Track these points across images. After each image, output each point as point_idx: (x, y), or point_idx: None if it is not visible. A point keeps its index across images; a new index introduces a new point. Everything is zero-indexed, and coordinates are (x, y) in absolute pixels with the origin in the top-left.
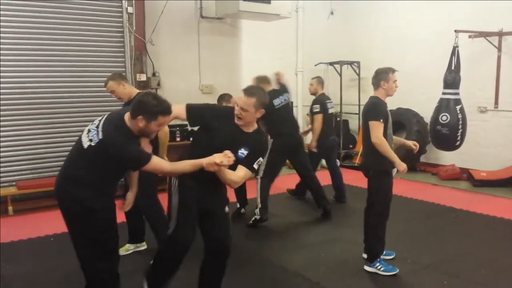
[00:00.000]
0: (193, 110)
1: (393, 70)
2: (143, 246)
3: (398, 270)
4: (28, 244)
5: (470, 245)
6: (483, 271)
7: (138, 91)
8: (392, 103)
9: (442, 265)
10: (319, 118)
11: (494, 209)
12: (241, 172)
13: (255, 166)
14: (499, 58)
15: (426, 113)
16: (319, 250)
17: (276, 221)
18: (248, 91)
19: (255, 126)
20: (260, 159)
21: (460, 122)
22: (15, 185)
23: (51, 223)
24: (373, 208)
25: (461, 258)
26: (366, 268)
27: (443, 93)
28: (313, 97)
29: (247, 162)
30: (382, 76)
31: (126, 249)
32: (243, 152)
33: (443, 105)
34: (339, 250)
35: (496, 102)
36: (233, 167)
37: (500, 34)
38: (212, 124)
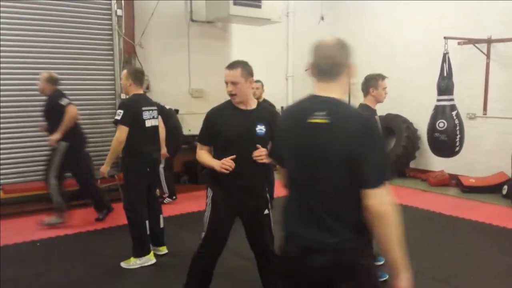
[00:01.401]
0: (206, 136)
1: (382, 77)
2: (163, 251)
3: (387, 276)
4: (14, 249)
5: (459, 251)
6: (472, 277)
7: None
8: (381, 109)
9: (431, 271)
10: None
11: (483, 215)
12: None
13: None
14: (487, 65)
15: (416, 118)
16: None
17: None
18: (231, 65)
19: (255, 101)
20: None
21: (458, 128)
22: (1, 189)
23: (38, 228)
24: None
25: (450, 264)
26: None
27: (438, 100)
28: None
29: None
30: (371, 82)
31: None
32: (261, 128)
33: (439, 112)
34: None
35: (485, 109)
36: (262, 146)
37: (489, 41)
38: (219, 128)
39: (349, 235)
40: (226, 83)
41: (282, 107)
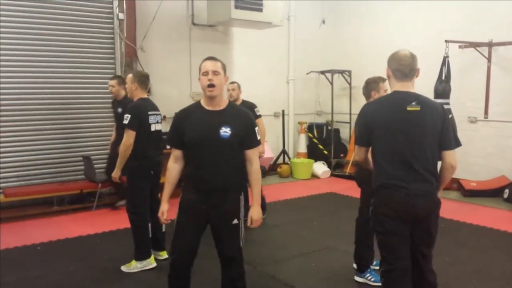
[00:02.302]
0: (174, 139)
1: (383, 79)
2: (163, 256)
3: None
4: (14, 253)
5: (460, 255)
6: (473, 281)
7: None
8: None
9: None
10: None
11: (484, 219)
12: (253, 157)
13: (258, 136)
14: (489, 68)
15: None
16: (310, 260)
17: (267, 230)
18: (211, 58)
19: (226, 101)
20: (256, 128)
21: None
22: (2, 193)
23: (38, 231)
24: (363, 218)
25: (451, 268)
26: (357, 278)
27: None
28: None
29: (252, 141)
30: (372, 86)
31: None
32: (226, 131)
33: None
34: (330, 260)
35: (486, 112)
36: (226, 149)
37: (490, 44)
38: (183, 130)
39: (436, 184)
40: (206, 73)
41: (283, 111)
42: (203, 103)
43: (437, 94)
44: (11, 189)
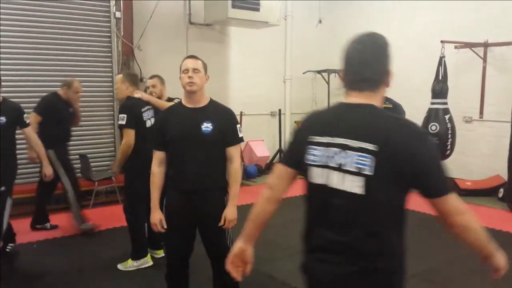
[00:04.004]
0: (156, 140)
1: None
2: (160, 254)
3: None
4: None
5: (456, 254)
6: (470, 280)
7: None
8: None
9: (427, 274)
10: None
11: (479, 218)
12: (234, 155)
13: (240, 134)
14: (484, 68)
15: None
16: None
17: (263, 229)
18: (192, 56)
19: (208, 98)
20: (238, 126)
21: (450, 132)
22: None
23: (34, 229)
24: None
25: (447, 267)
26: None
27: (432, 103)
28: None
29: (233, 138)
30: None
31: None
32: (207, 126)
33: (432, 115)
34: None
35: (481, 112)
36: (208, 146)
37: (486, 45)
38: (165, 129)
39: None
40: (186, 71)
41: (279, 110)
42: (184, 101)
43: (435, 94)
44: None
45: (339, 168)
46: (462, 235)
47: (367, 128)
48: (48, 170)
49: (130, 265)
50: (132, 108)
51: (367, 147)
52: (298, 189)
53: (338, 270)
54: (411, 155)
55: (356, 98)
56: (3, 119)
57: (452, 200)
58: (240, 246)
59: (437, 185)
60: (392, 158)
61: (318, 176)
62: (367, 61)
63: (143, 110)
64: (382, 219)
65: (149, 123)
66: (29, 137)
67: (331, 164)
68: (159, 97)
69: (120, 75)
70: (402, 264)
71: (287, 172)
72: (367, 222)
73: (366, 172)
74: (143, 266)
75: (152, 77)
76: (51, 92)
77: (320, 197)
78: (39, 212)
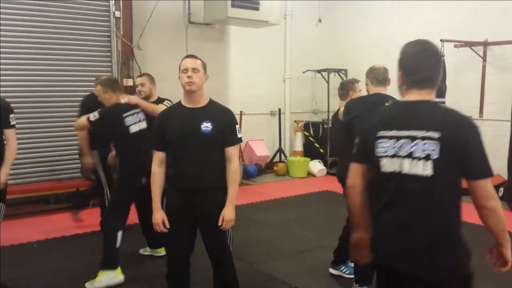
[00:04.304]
0: (156, 140)
1: (356, 81)
2: (161, 253)
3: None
4: (11, 251)
5: None
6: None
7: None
8: None
9: None
10: None
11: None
12: (232, 155)
13: (238, 134)
14: (484, 67)
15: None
16: (306, 258)
17: (263, 228)
18: (192, 56)
19: (207, 98)
20: (236, 126)
21: None
22: None
23: (35, 229)
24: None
25: None
26: (331, 270)
27: None
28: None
29: (232, 138)
30: (350, 86)
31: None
32: (207, 126)
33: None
34: (326, 258)
35: (481, 111)
36: (208, 145)
37: (485, 44)
38: (165, 129)
39: None
40: (185, 70)
41: (279, 109)
42: (183, 101)
43: None
44: (8, 186)
45: (410, 156)
46: (488, 218)
47: (430, 119)
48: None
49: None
50: (107, 113)
51: (432, 135)
52: (296, 189)
53: (412, 242)
54: (466, 140)
55: (416, 96)
56: None
57: (489, 185)
58: (358, 237)
59: (482, 167)
60: (452, 142)
61: (390, 165)
62: (425, 64)
63: (125, 115)
64: (447, 194)
65: (136, 128)
66: (7, 139)
67: (402, 154)
68: (148, 96)
69: (98, 86)
70: (461, 234)
71: (361, 168)
72: (435, 199)
73: (433, 156)
74: (112, 282)
75: (141, 75)
76: (90, 93)
77: (393, 183)
78: (81, 200)
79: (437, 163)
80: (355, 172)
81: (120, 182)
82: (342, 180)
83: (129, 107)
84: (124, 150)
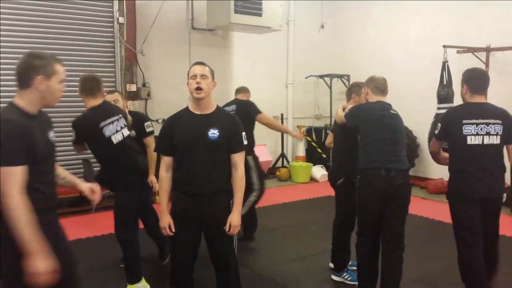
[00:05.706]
0: (163, 145)
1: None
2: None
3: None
4: None
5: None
6: None
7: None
8: None
9: (431, 278)
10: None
11: None
12: (238, 162)
13: (244, 141)
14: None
15: (415, 126)
16: (308, 263)
17: (265, 234)
18: (200, 62)
19: (214, 105)
20: (243, 133)
21: None
22: None
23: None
24: (337, 219)
25: (450, 271)
26: (334, 277)
27: (438, 108)
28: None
29: (238, 145)
30: (355, 89)
31: None
32: (214, 132)
33: (439, 120)
34: (328, 263)
35: None
36: (215, 151)
37: (488, 49)
38: (172, 134)
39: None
40: (194, 77)
41: (282, 114)
42: (191, 107)
43: (441, 99)
44: None
45: (488, 134)
46: None
47: (494, 113)
48: None
49: None
50: (78, 131)
51: (498, 122)
52: (299, 195)
53: (491, 185)
54: (511, 123)
55: (481, 98)
56: None
57: None
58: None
59: None
60: (506, 125)
61: (474, 140)
62: (485, 78)
63: (102, 124)
64: (502, 152)
65: (119, 137)
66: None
67: (482, 133)
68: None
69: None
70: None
71: (440, 143)
72: (500, 154)
73: (500, 133)
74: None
75: (111, 92)
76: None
77: (477, 151)
78: None
79: (501, 137)
80: (437, 144)
81: (121, 199)
82: (334, 179)
83: (106, 113)
84: (114, 165)
